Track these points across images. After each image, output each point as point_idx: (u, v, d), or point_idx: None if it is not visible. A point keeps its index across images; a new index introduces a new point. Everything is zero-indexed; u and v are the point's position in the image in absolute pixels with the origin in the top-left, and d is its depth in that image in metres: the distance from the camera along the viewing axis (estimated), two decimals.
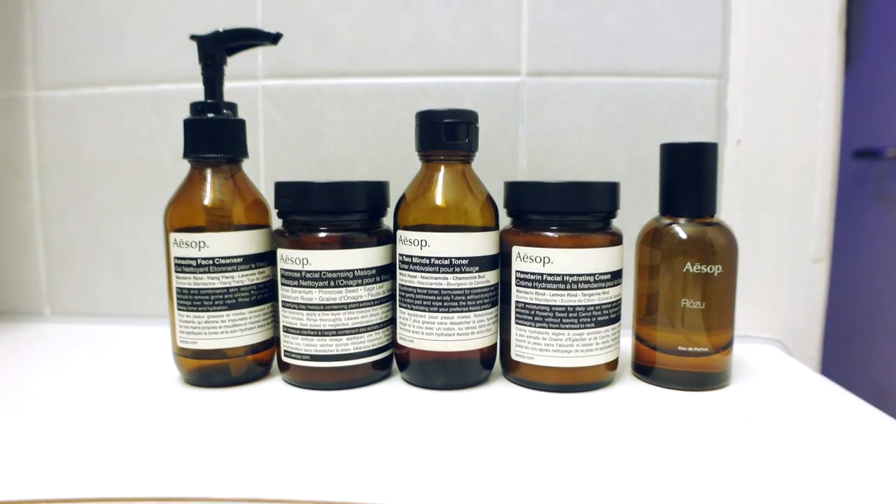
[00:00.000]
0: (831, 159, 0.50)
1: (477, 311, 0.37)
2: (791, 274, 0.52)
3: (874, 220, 1.27)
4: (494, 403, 0.36)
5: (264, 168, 0.53)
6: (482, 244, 0.37)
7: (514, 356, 0.38)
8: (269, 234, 0.39)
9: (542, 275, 0.36)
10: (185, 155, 0.38)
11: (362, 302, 0.37)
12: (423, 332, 0.37)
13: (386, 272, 0.38)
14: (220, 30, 0.39)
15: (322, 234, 0.37)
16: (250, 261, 0.38)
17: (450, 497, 0.25)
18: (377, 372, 0.39)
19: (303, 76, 0.53)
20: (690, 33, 0.50)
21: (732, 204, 0.51)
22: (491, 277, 0.38)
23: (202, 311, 0.37)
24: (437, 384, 0.38)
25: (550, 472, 0.28)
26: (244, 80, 0.53)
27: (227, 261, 0.37)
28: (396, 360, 0.40)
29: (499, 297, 0.39)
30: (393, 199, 0.40)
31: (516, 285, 0.37)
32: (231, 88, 0.41)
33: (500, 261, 0.39)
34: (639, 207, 0.45)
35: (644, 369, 0.40)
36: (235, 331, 0.38)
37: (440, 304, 0.37)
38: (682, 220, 0.38)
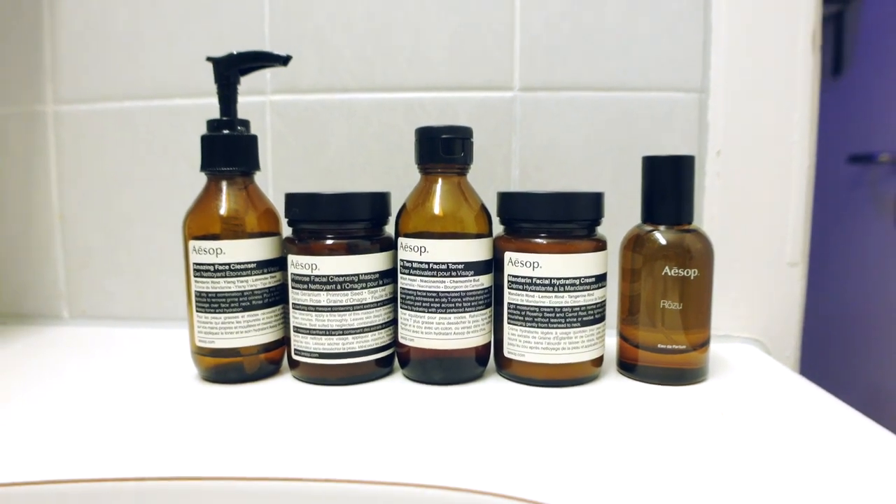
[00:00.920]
0: (806, 168, 0.53)
1: (472, 311, 0.41)
2: (768, 277, 0.54)
3: (868, 222, 1.30)
4: (488, 397, 0.39)
5: (272, 177, 0.56)
6: (477, 250, 0.40)
7: (506, 353, 0.41)
8: (280, 241, 0.42)
9: (531, 278, 0.39)
10: (203, 168, 0.42)
11: (366, 304, 0.40)
12: (423, 332, 0.40)
13: (388, 276, 0.42)
14: (235, 52, 0.42)
15: (329, 242, 0.40)
16: (263, 266, 0.41)
17: (447, 478, 0.28)
18: (380, 369, 0.42)
19: (308, 91, 0.56)
20: (673, 50, 0.53)
21: (713, 210, 0.54)
22: (485, 281, 0.41)
23: (219, 312, 0.40)
24: (435, 380, 0.41)
25: (539, 457, 0.31)
26: (253, 95, 0.56)
27: (242, 266, 0.40)
28: (398, 358, 0.43)
29: (492, 298, 0.42)
30: (394, 208, 0.43)
31: (508, 288, 0.40)
32: (241, 103, 0.44)
33: (493, 265, 0.42)
34: (626, 214, 0.48)
35: (628, 366, 0.43)
36: (249, 331, 0.41)
37: (438, 305, 0.40)
38: (662, 228, 0.41)
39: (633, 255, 0.42)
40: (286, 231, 0.43)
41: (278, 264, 0.42)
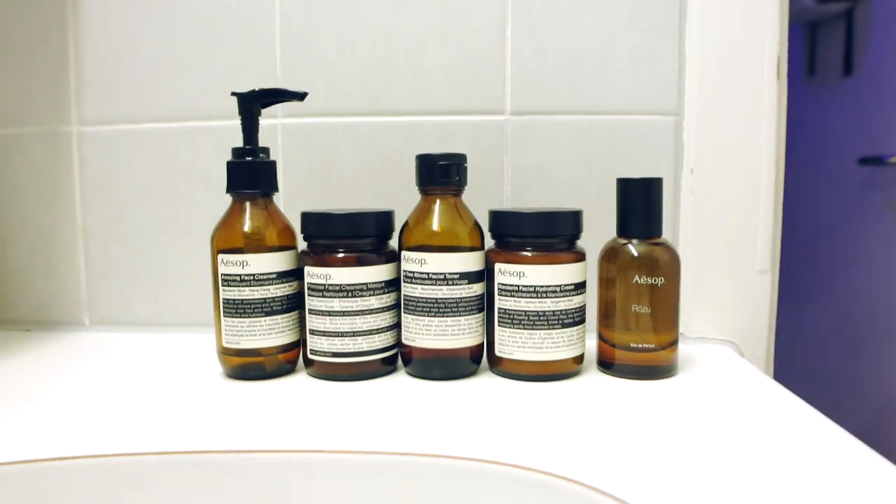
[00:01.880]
0: (773, 183, 0.57)
1: (467, 315, 0.46)
2: (740, 284, 0.58)
3: (879, 223, 1.29)
4: (482, 391, 0.45)
5: (283, 194, 0.61)
6: (470, 261, 0.46)
7: (497, 352, 0.46)
8: (297, 254, 0.48)
9: (518, 286, 0.45)
10: (228, 190, 0.47)
11: (374, 309, 0.46)
12: (423, 334, 0.46)
13: (392, 285, 0.47)
14: (257, 89, 0.47)
15: (341, 255, 0.45)
16: (282, 276, 0.46)
17: (443, 451, 0.34)
18: (385, 367, 0.48)
19: (317, 115, 0.59)
20: (651, 77, 0.57)
21: (688, 223, 0.58)
22: (478, 288, 0.46)
23: (244, 317, 0.45)
24: (434, 376, 0.47)
25: (525, 442, 0.36)
26: (266, 118, 0.60)
27: (264, 276, 0.45)
28: (401, 357, 0.48)
29: (484, 304, 0.47)
30: (397, 224, 0.49)
31: (498, 294, 0.46)
32: None
33: (485, 275, 0.47)
34: (607, 229, 0.53)
35: (606, 364, 0.48)
36: (270, 333, 0.46)
37: (437, 310, 0.45)
38: (634, 241, 0.47)
39: (609, 265, 0.47)
40: (301, 245, 0.48)
41: (295, 275, 0.47)
